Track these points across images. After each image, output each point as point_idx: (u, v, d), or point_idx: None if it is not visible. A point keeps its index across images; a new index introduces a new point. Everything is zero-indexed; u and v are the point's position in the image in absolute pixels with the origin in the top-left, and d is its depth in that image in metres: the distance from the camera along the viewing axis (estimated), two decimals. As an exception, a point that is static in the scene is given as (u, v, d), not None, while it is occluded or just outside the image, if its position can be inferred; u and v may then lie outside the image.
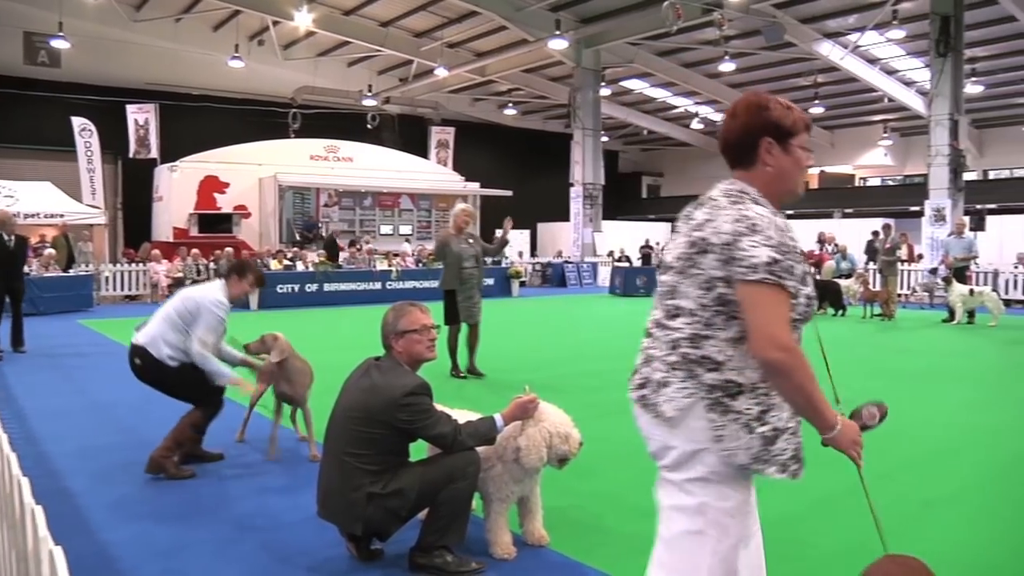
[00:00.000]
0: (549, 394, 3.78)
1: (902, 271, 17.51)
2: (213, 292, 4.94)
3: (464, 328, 8.26)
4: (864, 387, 6.88)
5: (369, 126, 27.14)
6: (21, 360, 9.50)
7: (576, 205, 25.35)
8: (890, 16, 19.62)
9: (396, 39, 24.45)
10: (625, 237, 31.63)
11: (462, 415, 3.61)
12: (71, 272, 16.40)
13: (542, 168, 32.95)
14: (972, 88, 23.30)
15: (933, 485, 4.70)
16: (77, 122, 21.04)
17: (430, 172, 26.74)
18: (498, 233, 8.80)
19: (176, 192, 22.03)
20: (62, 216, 17.92)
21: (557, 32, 20.90)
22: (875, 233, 17.67)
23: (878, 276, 16.22)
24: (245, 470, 4.95)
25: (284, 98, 26.64)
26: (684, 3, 17.44)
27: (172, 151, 22.68)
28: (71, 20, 19.71)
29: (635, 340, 2.24)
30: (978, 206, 20.82)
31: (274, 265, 18.18)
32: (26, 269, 11.39)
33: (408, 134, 29.21)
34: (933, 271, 16.37)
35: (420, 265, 20.19)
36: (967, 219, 16.97)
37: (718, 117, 33.10)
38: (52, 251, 16.47)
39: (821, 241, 19.77)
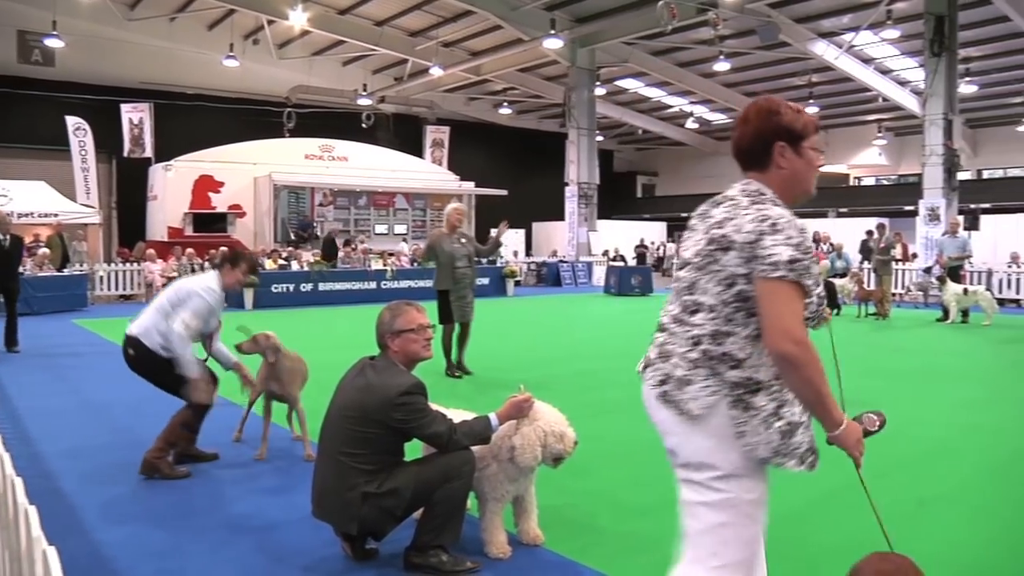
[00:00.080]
0: (544, 393, 3.78)
1: (896, 270, 17.58)
2: (206, 280, 4.94)
3: (456, 327, 8.31)
4: (859, 386, 6.87)
5: (364, 125, 27.15)
6: (15, 360, 9.47)
7: (571, 204, 25.35)
8: (884, 16, 19.70)
9: (391, 38, 24.44)
10: (620, 236, 31.71)
11: (457, 414, 3.61)
12: (65, 272, 16.34)
13: (537, 167, 32.98)
14: (966, 88, 23.41)
15: (929, 484, 4.71)
16: (71, 121, 21.00)
17: (425, 171, 26.73)
18: (492, 233, 8.81)
19: (171, 191, 21.99)
20: (56, 215, 17.90)
21: (552, 31, 20.94)
22: (869, 232, 17.70)
23: (873, 275, 16.26)
24: (240, 470, 4.94)
25: (279, 97, 26.63)
26: (679, 3, 17.44)
27: (167, 150, 22.63)
28: (65, 19, 19.68)
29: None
30: (972, 205, 20.94)
31: (269, 265, 18.15)
32: (21, 269, 11.35)
33: (403, 133, 29.20)
34: (927, 270, 16.40)
35: (415, 265, 20.17)
36: (961, 218, 17.04)
37: (713, 117, 33.19)
38: (46, 251, 16.43)
39: (816, 240, 19.80)
